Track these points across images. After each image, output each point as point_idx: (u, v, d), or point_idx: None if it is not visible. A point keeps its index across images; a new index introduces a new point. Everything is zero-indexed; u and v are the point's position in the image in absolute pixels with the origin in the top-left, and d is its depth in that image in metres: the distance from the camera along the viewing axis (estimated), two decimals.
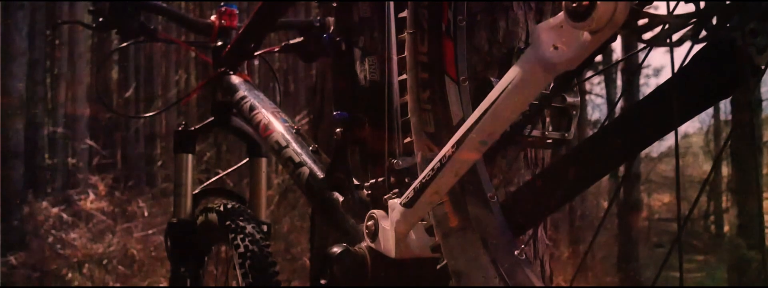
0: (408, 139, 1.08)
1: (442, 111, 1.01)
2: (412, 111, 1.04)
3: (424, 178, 0.92)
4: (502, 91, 0.74)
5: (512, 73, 0.73)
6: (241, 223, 1.60)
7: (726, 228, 14.40)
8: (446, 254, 0.97)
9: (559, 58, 0.67)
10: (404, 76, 1.07)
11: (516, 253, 0.89)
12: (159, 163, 11.86)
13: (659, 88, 0.79)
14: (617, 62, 5.91)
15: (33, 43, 10.04)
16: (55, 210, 7.41)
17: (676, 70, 0.74)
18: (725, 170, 15.14)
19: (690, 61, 0.75)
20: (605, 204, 11.84)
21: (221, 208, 1.68)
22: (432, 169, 0.89)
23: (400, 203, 1.01)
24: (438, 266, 0.99)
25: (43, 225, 7.14)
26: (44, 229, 6.98)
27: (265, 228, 1.72)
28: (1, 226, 7.35)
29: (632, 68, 10.70)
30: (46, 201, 7.76)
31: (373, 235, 1.14)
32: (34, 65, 10.13)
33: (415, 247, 1.07)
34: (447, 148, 0.86)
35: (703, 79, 0.74)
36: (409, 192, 0.97)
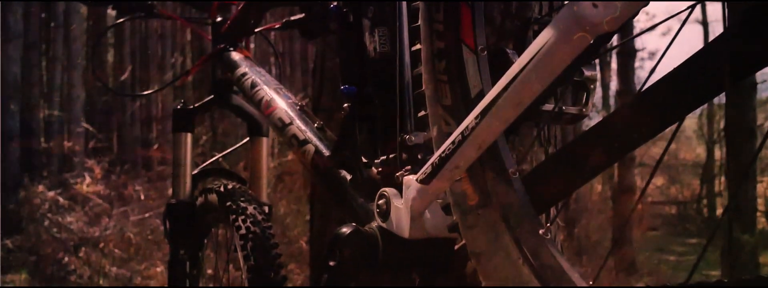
0: (422, 113, 1.03)
1: (459, 82, 0.95)
2: (427, 83, 0.99)
3: (443, 152, 0.86)
4: (535, 54, 0.68)
5: (546, 34, 0.67)
6: (242, 204, 1.55)
7: (719, 211, 14.40)
8: (465, 234, 0.91)
9: (601, 16, 0.61)
10: (418, 46, 1.02)
11: (541, 232, 0.83)
12: (155, 146, 11.78)
13: (697, 54, 0.73)
14: (617, 46, 5.85)
15: (28, 26, 9.95)
16: (51, 193, 7.35)
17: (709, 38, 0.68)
18: (718, 154, 15.15)
19: (732, 24, 0.69)
20: (599, 187, 11.80)
21: (221, 189, 1.63)
22: (452, 143, 0.84)
23: (417, 179, 0.95)
24: (456, 247, 0.93)
25: (39, 209, 7.08)
26: (40, 213, 6.92)
27: (266, 209, 1.66)
28: None
29: (628, 51, 10.64)
30: (43, 184, 7.70)
31: (385, 214, 1.09)
32: (30, 48, 10.05)
33: (431, 226, 1.01)
34: (469, 120, 0.80)
35: (747, 43, 0.69)
36: (426, 167, 0.91)
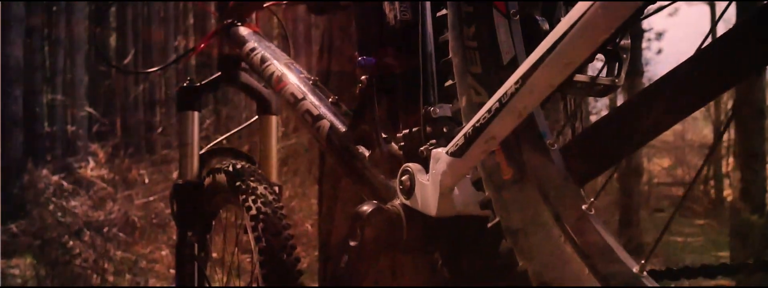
0: (449, 83, 0.96)
1: (490, 49, 0.88)
2: (455, 50, 0.92)
3: (477, 121, 0.79)
4: (588, 9, 0.61)
5: None
6: (252, 184, 1.49)
7: (726, 192, 14.35)
8: (499, 211, 0.84)
9: None
10: (443, 12, 0.95)
11: (583, 207, 0.77)
12: (159, 129, 11.75)
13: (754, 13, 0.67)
14: (631, 25, 5.75)
15: (30, 10, 9.91)
16: (55, 178, 7.30)
17: None
18: (726, 135, 15.09)
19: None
20: None
21: (230, 169, 1.56)
22: (488, 111, 0.77)
23: (447, 152, 0.88)
24: (489, 225, 0.87)
25: (43, 193, 7.04)
26: (45, 197, 6.88)
27: (276, 189, 1.60)
28: (1, 194, 7.28)
29: (635, 32, 10.56)
30: (46, 169, 7.66)
31: (408, 191, 1.02)
32: (32, 32, 10.01)
33: (460, 203, 0.94)
34: (508, 85, 0.73)
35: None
36: (457, 139, 0.85)
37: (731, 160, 13.43)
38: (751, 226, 7.68)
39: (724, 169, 15.32)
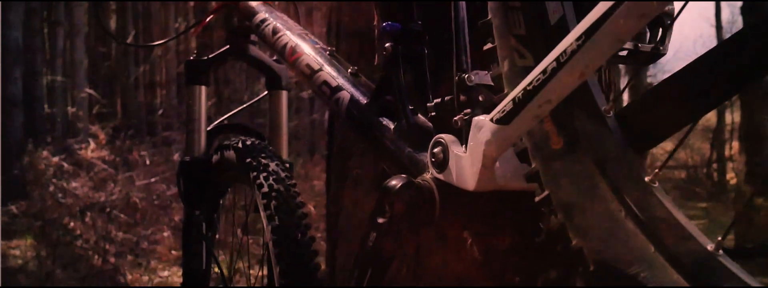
0: (488, 46, 0.88)
1: (535, 8, 0.80)
2: (495, 10, 0.84)
3: (529, 84, 0.71)
4: None
5: None
6: (263, 161, 1.41)
7: (729, 175, 14.31)
8: (548, 184, 0.77)
9: None
10: None
11: (647, 179, 0.69)
12: (159, 111, 11.69)
13: None
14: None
15: None
16: (55, 159, 7.27)
17: None
18: (729, 117, 15.03)
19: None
20: None
21: (240, 145, 1.49)
22: (543, 72, 0.69)
23: (491, 119, 0.80)
24: (536, 199, 0.79)
25: (44, 174, 7.00)
26: (45, 179, 6.84)
27: (288, 166, 1.53)
28: (1, 176, 7.24)
29: None
30: (47, 150, 7.61)
31: (442, 164, 0.94)
32: (31, 14, 9.92)
33: (501, 176, 0.86)
34: (568, 42, 0.65)
35: None
36: (504, 104, 0.77)
37: (735, 143, 13.40)
38: (756, 208, 7.65)
39: (727, 153, 15.31)
